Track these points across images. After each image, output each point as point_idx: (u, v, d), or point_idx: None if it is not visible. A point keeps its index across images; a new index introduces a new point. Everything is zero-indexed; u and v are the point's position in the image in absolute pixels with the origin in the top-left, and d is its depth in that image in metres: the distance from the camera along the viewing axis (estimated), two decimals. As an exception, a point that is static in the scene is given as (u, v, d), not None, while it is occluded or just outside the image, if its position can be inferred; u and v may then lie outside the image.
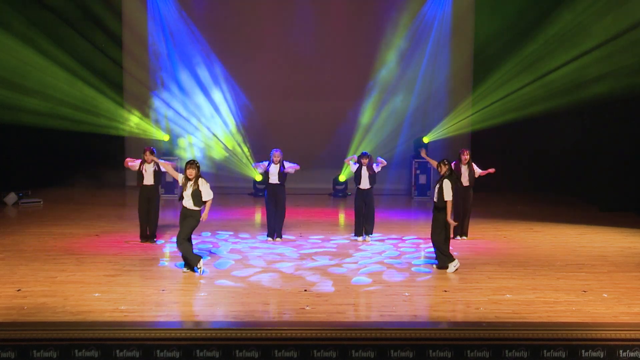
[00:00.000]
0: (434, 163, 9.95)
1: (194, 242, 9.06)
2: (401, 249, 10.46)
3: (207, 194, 8.56)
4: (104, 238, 10.96)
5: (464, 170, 11.00)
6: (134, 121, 16.48)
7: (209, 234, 11.41)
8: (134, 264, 9.22)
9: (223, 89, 16.96)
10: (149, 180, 10.51)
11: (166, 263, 9.42)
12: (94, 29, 16.12)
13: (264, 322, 6.89)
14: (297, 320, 6.86)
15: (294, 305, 7.37)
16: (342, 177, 16.23)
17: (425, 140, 16.51)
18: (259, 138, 16.74)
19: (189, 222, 8.57)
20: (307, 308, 7.22)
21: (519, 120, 14.89)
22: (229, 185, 16.64)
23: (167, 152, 16.11)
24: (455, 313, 7.40)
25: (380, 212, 12.87)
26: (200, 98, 17.02)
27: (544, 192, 16.64)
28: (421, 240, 11.05)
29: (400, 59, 16.97)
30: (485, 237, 11.40)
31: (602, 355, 6.25)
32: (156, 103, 17.01)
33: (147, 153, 10.50)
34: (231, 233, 11.58)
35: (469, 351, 6.23)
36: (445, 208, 8.89)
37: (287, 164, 10.93)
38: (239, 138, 16.86)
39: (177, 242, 8.61)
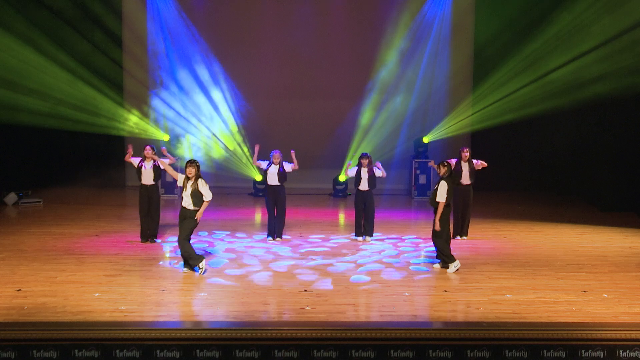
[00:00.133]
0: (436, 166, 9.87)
1: (191, 241, 9.05)
2: (400, 248, 10.49)
3: (206, 194, 8.58)
4: (104, 238, 10.96)
5: (465, 167, 11.01)
6: (133, 121, 16.47)
7: (206, 233, 11.41)
8: (134, 264, 9.23)
9: (223, 89, 16.95)
10: (148, 179, 10.52)
11: (167, 263, 9.42)
12: (94, 28, 16.10)
13: (264, 322, 6.90)
14: (297, 320, 6.87)
15: (294, 305, 7.37)
16: (342, 177, 16.22)
17: (425, 140, 16.50)
18: (259, 138, 16.66)
19: (189, 222, 8.57)
20: (307, 308, 7.23)
21: (519, 120, 14.88)
22: (229, 185, 16.63)
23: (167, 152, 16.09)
24: (455, 313, 7.41)
25: (380, 212, 12.87)
26: (200, 98, 17.00)
27: (544, 192, 16.62)
28: (420, 240, 11.06)
29: (400, 59, 16.94)
30: (485, 237, 11.40)
31: (602, 355, 6.26)
32: (156, 103, 17.00)
33: (147, 149, 10.54)
34: (228, 232, 11.58)
35: (469, 351, 6.23)
36: (436, 209, 8.92)
37: (287, 165, 10.93)
38: (239, 138, 16.85)
39: (179, 243, 8.63)
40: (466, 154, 11.08)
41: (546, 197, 16.18)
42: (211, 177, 16.03)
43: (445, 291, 8.01)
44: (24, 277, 8.37)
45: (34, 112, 13.99)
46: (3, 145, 15.02)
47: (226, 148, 16.84)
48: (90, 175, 16.53)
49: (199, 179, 8.58)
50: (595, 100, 13.27)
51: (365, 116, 16.86)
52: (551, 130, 16.06)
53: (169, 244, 10.58)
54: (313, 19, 17.16)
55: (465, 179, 10.99)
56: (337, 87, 17.20)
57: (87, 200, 15.15)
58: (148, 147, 10.63)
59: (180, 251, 8.67)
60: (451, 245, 9.32)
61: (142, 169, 10.52)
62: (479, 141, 16.63)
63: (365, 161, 10.93)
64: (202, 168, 8.91)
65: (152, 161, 10.53)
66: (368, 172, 10.92)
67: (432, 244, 9.34)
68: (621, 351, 6.26)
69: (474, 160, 11.15)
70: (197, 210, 8.58)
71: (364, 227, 11.10)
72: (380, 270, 9.02)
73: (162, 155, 10.79)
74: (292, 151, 11.03)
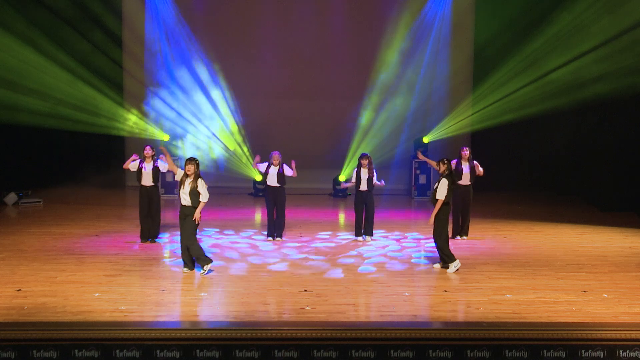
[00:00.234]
0: (433, 163, 9.86)
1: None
2: (403, 244, 10.76)
3: (204, 195, 8.58)
4: (104, 238, 10.96)
5: (465, 167, 11.01)
6: (133, 121, 16.47)
7: (213, 231, 11.42)
8: (134, 264, 9.23)
9: (223, 89, 16.95)
10: (148, 180, 10.53)
11: (167, 263, 9.42)
12: (94, 28, 16.10)
13: (264, 322, 6.89)
14: (297, 320, 6.86)
15: (294, 305, 7.37)
16: (342, 177, 16.23)
17: (425, 140, 16.50)
18: (259, 138, 16.73)
19: (190, 223, 8.59)
20: (307, 308, 7.23)
21: (519, 120, 14.88)
22: (229, 185, 16.63)
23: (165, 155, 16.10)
24: (455, 313, 7.41)
25: (381, 212, 12.89)
26: (200, 98, 17.01)
27: (544, 192, 16.63)
28: (422, 237, 11.21)
29: (400, 59, 16.94)
30: (485, 237, 11.40)
31: (602, 355, 6.25)
32: (156, 103, 17.00)
33: (147, 150, 10.54)
34: (231, 232, 11.58)
35: (469, 351, 6.23)
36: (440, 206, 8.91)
37: (286, 168, 10.90)
38: (239, 138, 16.85)
39: (189, 243, 8.61)
40: (466, 152, 11.08)
41: (546, 197, 16.19)
42: (211, 177, 16.05)
43: (445, 291, 8.01)
44: (24, 277, 8.37)
45: (34, 112, 13.99)
46: (3, 145, 15.02)
47: (226, 148, 16.84)
48: (90, 175, 16.54)
49: (199, 179, 8.58)
50: (595, 100, 13.27)
51: (365, 116, 16.86)
52: (551, 130, 16.06)
53: (169, 244, 10.58)
54: (313, 19, 17.17)
55: (466, 179, 10.99)
56: (337, 87, 17.21)
57: (87, 200, 15.15)
58: (148, 147, 10.63)
59: (190, 251, 8.64)
60: (451, 245, 9.31)
61: (143, 170, 10.52)
62: (479, 141, 16.63)
63: (365, 161, 10.89)
64: (201, 168, 8.90)
65: (152, 162, 10.53)
66: (368, 172, 10.90)
67: (432, 240, 9.33)
68: (621, 351, 6.26)
69: (479, 167, 11.14)
70: (196, 208, 8.57)
71: (364, 227, 11.10)
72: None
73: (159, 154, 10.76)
74: (293, 162, 11.00)
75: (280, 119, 17.24)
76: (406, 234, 11.63)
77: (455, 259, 8.95)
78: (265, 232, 11.18)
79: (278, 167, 10.82)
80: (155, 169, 10.56)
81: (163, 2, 16.96)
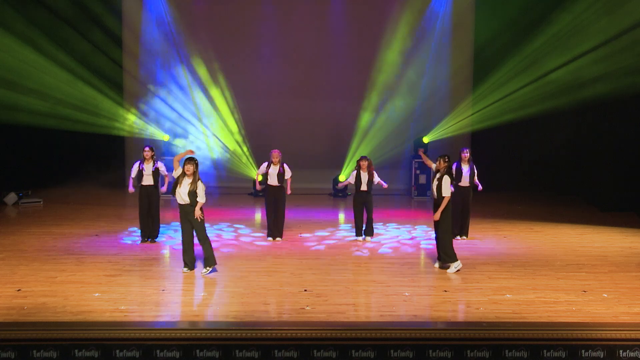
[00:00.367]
0: (430, 163, 9.76)
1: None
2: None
3: (201, 197, 8.60)
4: (104, 238, 10.96)
5: (465, 169, 11.00)
6: (133, 121, 16.47)
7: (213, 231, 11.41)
8: (134, 264, 9.23)
9: (222, 89, 16.95)
10: (148, 180, 10.53)
11: (167, 263, 9.42)
12: (94, 28, 16.11)
13: (264, 322, 6.89)
14: (297, 320, 6.86)
15: (294, 305, 7.37)
16: (342, 177, 16.24)
17: (425, 140, 16.51)
18: (259, 138, 16.74)
19: (197, 222, 8.63)
20: (307, 308, 7.23)
21: (519, 120, 14.88)
22: (229, 185, 16.63)
23: (166, 152, 16.11)
24: (455, 313, 7.40)
25: (381, 213, 12.90)
26: (200, 97, 17.01)
27: (544, 192, 16.63)
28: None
29: (401, 59, 16.95)
30: (485, 237, 11.40)
31: (602, 355, 6.25)
32: (156, 103, 17.00)
33: (147, 150, 10.53)
34: (232, 233, 11.58)
35: (469, 351, 6.23)
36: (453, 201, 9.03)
37: (287, 168, 10.89)
38: (239, 138, 16.85)
39: (203, 241, 8.65)
40: (466, 154, 11.07)
41: (546, 197, 16.19)
42: (211, 177, 16.07)
43: (445, 291, 8.01)
44: (24, 277, 8.37)
45: (34, 112, 14.00)
46: (3, 145, 15.03)
47: (226, 148, 16.84)
48: (90, 175, 16.54)
49: (199, 182, 8.59)
50: (595, 100, 13.27)
51: (365, 116, 16.86)
52: (551, 130, 16.07)
53: (169, 244, 10.58)
54: (313, 19, 17.18)
55: (465, 181, 10.99)
56: (337, 87, 17.21)
57: (87, 200, 15.15)
58: (147, 149, 10.60)
59: (203, 249, 8.68)
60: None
61: (143, 172, 10.51)
62: (479, 141, 16.64)
63: (364, 163, 10.88)
64: (201, 168, 8.91)
65: (152, 163, 10.52)
66: (368, 174, 10.89)
67: (434, 238, 9.33)
68: (621, 351, 6.26)
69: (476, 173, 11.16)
70: (195, 205, 8.58)
71: (364, 227, 11.10)
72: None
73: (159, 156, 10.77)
74: (288, 182, 11.01)
75: (280, 119, 17.24)
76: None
77: (456, 259, 8.95)
78: (265, 232, 11.17)
79: (278, 166, 10.81)
80: (156, 170, 10.56)
81: (163, 2, 16.96)
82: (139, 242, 10.63)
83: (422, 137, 16.56)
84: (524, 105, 14.70)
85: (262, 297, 7.70)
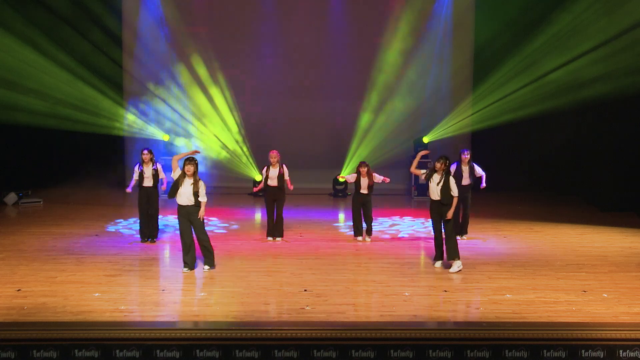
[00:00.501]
0: (419, 172, 9.60)
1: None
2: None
3: (203, 195, 8.63)
4: (104, 238, 10.96)
5: (465, 171, 11.00)
6: (133, 121, 16.47)
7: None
8: (134, 264, 9.23)
9: (222, 88, 16.95)
10: (147, 182, 10.52)
11: (167, 263, 9.42)
12: (94, 28, 16.10)
13: (264, 322, 6.89)
14: (297, 320, 6.86)
15: (294, 305, 7.37)
16: (341, 179, 16.23)
17: (425, 140, 16.50)
18: (259, 138, 16.74)
19: (199, 221, 8.69)
20: (307, 308, 7.23)
21: (519, 120, 14.88)
22: (229, 185, 16.63)
23: (166, 152, 16.11)
24: (455, 313, 7.40)
25: (381, 213, 12.90)
26: (199, 97, 17.00)
27: (544, 192, 16.63)
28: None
29: (401, 59, 16.94)
30: (485, 237, 11.40)
31: (602, 355, 6.25)
32: (156, 103, 16.99)
33: (145, 153, 10.51)
34: (232, 233, 11.58)
35: (469, 351, 6.23)
36: (451, 204, 9.00)
37: (285, 170, 10.89)
38: (239, 138, 16.85)
39: (204, 240, 8.73)
40: (466, 156, 11.06)
41: (546, 197, 16.19)
42: (211, 177, 16.05)
43: (445, 291, 8.01)
44: (24, 277, 8.37)
45: (34, 112, 13.99)
46: (3, 145, 15.02)
47: (226, 148, 16.84)
48: (90, 175, 16.53)
49: (200, 182, 8.63)
50: (595, 100, 13.27)
51: (365, 116, 16.85)
52: (551, 130, 16.05)
53: (168, 244, 10.58)
54: (313, 19, 17.18)
55: (465, 182, 10.98)
56: (337, 87, 17.21)
57: (87, 200, 15.15)
58: (145, 152, 10.56)
59: (205, 248, 8.77)
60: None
61: (143, 174, 10.50)
62: (479, 141, 16.64)
63: (364, 170, 10.88)
64: (201, 168, 8.92)
65: (151, 165, 10.50)
66: (368, 179, 10.89)
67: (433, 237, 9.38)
68: (621, 351, 6.26)
69: (479, 171, 11.13)
70: (199, 206, 8.62)
71: (364, 227, 11.10)
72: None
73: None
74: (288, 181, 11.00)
75: (280, 119, 17.24)
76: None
77: (459, 258, 8.97)
78: (265, 232, 11.17)
79: (277, 167, 10.80)
80: (155, 172, 10.55)
81: (163, 2, 16.95)
82: (139, 242, 10.62)
83: (422, 137, 16.56)
84: (524, 105, 14.69)
85: (262, 297, 7.70)
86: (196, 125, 16.99)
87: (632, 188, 13.88)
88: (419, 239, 11.24)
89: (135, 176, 10.58)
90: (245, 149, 16.66)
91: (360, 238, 11.08)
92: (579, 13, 13.53)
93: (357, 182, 10.96)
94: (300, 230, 11.87)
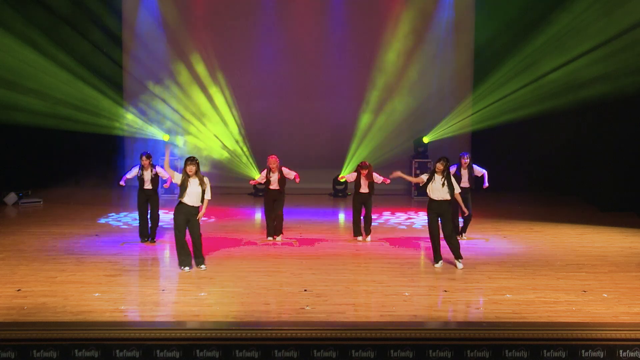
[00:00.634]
0: (421, 180, 9.47)
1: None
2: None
3: (208, 193, 8.72)
4: (104, 238, 10.96)
5: (465, 175, 11.01)
6: (133, 121, 16.47)
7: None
8: (134, 264, 9.23)
9: (222, 88, 16.94)
10: (148, 185, 10.52)
11: (167, 263, 9.42)
12: (94, 28, 16.09)
13: (264, 322, 6.89)
14: (297, 320, 6.86)
15: (294, 305, 7.37)
16: (342, 179, 16.22)
17: (425, 140, 16.50)
18: (259, 138, 16.73)
19: (197, 222, 8.73)
20: (307, 308, 7.23)
21: (519, 120, 14.88)
22: (229, 185, 16.62)
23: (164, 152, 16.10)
24: (455, 313, 7.40)
25: (381, 212, 12.89)
26: (199, 97, 16.99)
27: (544, 192, 16.62)
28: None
29: (401, 59, 16.93)
30: (485, 237, 11.39)
31: (602, 355, 6.25)
32: (155, 102, 16.98)
33: (144, 158, 10.46)
34: (232, 233, 11.59)
35: (469, 351, 6.23)
36: (456, 201, 9.25)
37: (285, 171, 10.88)
38: (239, 138, 16.84)
39: (197, 239, 8.79)
40: (466, 160, 11.04)
41: (546, 197, 16.19)
42: (211, 177, 16.02)
43: (445, 291, 8.01)
44: (24, 277, 8.37)
45: (33, 112, 13.98)
46: (3, 145, 15.02)
47: (226, 148, 16.83)
48: (90, 175, 16.52)
49: (205, 178, 8.71)
50: (594, 100, 13.27)
51: (365, 116, 16.84)
52: (551, 130, 16.04)
53: (168, 244, 10.58)
54: (314, 19, 17.17)
55: (464, 184, 10.98)
56: (337, 87, 17.20)
57: (87, 200, 15.15)
58: (144, 157, 10.47)
59: (200, 248, 8.83)
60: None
61: (143, 178, 10.49)
62: (479, 141, 16.63)
63: (364, 171, 10.88)
64: (201, 168, 8.93)
65: (150, 169, 10.48)
66: (367, 179, 10.89)
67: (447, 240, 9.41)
68: (621, 351, 6.26)
69: (478, 170, 11.12)
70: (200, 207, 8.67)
71: (363, 227, 11.10)
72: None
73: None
74: (296, 175, 11.02)
75: (280, 119, 17.23)
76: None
77: (461, 257, 9.17)
78: (265, 232, 11.17)
79: (277, 173, 10.79)
80: (155, 176, 10.54)
81: (162, 1, 16.95)
82: (139, 242, 10.62)
83: (422, 137, 16.55)
84: (524, 105, 14.69)
85: (262, 297, 7.70)
86: (196, 124, 16.98)
87: (632, 188, 13.88)
88: (419, 238, 11.23)
89: (129, 175, 10.57)
90: (245, 149, 16.65)
91: (360, 238, 11.08)
92: (578, 13, 13.53)
93: (357, 182, 10.97)
94: (300, 230, 11.87)
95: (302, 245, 10.62)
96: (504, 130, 15.39)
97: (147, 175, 10.45)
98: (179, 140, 16.61)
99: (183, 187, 8.63)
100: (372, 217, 11.35)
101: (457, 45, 17.24)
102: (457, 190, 9.29)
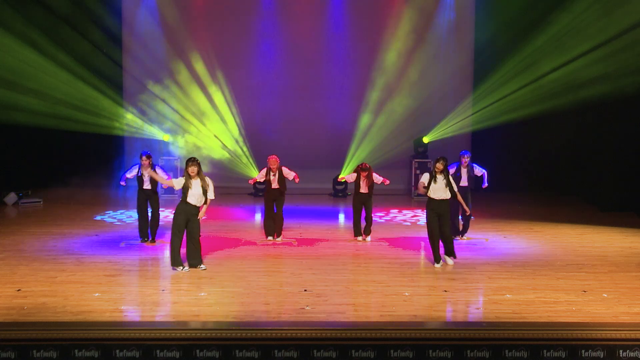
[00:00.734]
0: (424, 191, 9.40)
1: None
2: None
3: (211, 192, 8.76)
4: (104, 238, 10.96)
5: (464, 174, 11.01)
6: (133, 121, 16.46)
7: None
8: (134, 264, 9.23)
9: (222, 88, 16.94)
10: (147, 185, 10.51)
11: (167, 263, 9.41)
12: (93, 28, 16.08)
13: (264, 322, 6.89)
14: (297, 320, 6.86)
15: (294, 305, 7.37)
16: (342, 178, 16.21)
17: (425, 140, 16.50)
18: (259, 138, 16.73)
19: (197, 222, 8.77)
20: (307, 308, 7.23)
21: (519, 120, 14.87)
22: (229, 185, 16.62)
23: (166, 152, 16.11)
24: (455, 313, 7.41)
25: (381, 212, 12.89)
26: (199, 97, 16.99)
27: (544, 192, 16.62)
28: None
29: (401, 59, 16.92)
30: (485, 237, 11.39)
31: (602, 355, 6.25)
32: (155, 102, 16.97)
33: (144, 158, 10.43)
34: (232, 233, 11.58)
35: (469, 351, 6.23)
36: (453, 201, 9.28)
37: (285, 170, 10.89)
38: (239, 137, 16.84)
39: (196, 239, 8.82)
40: (466, 159, 11.04)
41: (546, 197, 16.19)
42: (211, 177, 16.02)
43: (445, 291, 8.01)
44: (24, 277, 8.37)
45: (33, 112, 13.98)
46: (3, 145, 15.01)
47: (226, 148, 16.82)
48: (90, 175, 16.51)
49: (207, 178, 8.73)
50: (594, 100, 13.27)
51: (365, 116, 16.84)
52: (551, 130, 16.04)
53: (168, 244, 10.55)
54: (313, 19, 17.17)
55: (463, 183, 10.98)
56: (337, 87, 17.20)
57: (87, 200, 15.14)
58: (144, 157, 10.44)
59: (199, 249, 8.86)
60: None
61: (143, 178, 10.49)
62: (479, 141, 16.63)
63: (364, 173, 10.87)
64: (201, 168, 8.94)
65: (150, 170, 10.46)
66: (368, 181, 10.89)
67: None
68: (621, 351, 6.26)
69: (478, 170, 11.12)
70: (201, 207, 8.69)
71: (363, 227, 11.10)
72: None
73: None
74: (295, 175, 11.02)
75: (280, 119, 17.23)
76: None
77: (455, 256, 9.24)
78: (265, 232, 11.17)
79: (277, 173, 10.79)
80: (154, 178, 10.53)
81: (162, 1, 16.94)
82: (139, 242, 10.62)
83: (422, 137, 16.55)
84: (524, 105, 14.69)
85: (262, 297, 7.70)
86: (196, 124, 16.97)
87: (632, 188, 13.88)
88: (419, 239, 11.23)
89: (129, 174, 10.57)
90: (245, 148, 16.65)
91: (360, 238, 11.08)
92: (578, 13, 13.52)
93: (357, 182, 10.98)
94: (300, 230, 11.87)
95: (302, 245, 10.62)
96: (504, 130, 15.39)
97: (146, 176, 10.45)
98: (180, 141, 16.61)
99: (186, 189, 8.65)
100: (378, 214, 11.33)
101: (458, 45, 17.24)
102: (456, 189, 9.35)
